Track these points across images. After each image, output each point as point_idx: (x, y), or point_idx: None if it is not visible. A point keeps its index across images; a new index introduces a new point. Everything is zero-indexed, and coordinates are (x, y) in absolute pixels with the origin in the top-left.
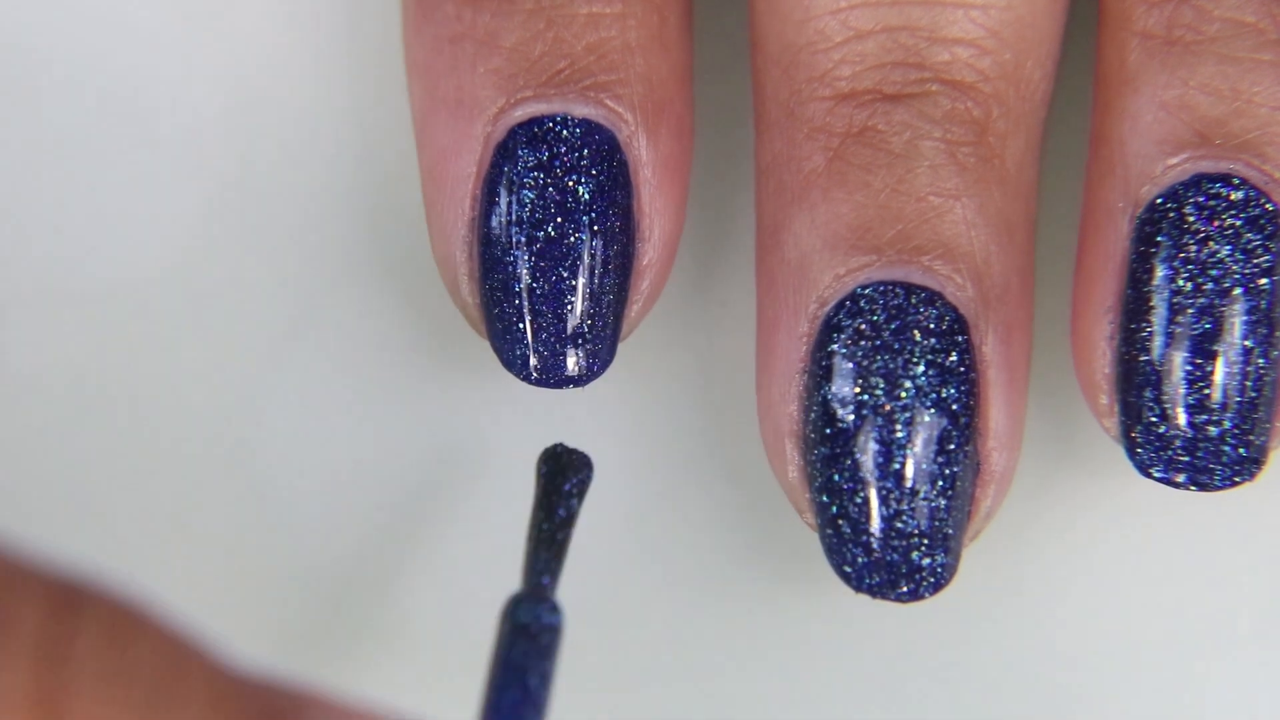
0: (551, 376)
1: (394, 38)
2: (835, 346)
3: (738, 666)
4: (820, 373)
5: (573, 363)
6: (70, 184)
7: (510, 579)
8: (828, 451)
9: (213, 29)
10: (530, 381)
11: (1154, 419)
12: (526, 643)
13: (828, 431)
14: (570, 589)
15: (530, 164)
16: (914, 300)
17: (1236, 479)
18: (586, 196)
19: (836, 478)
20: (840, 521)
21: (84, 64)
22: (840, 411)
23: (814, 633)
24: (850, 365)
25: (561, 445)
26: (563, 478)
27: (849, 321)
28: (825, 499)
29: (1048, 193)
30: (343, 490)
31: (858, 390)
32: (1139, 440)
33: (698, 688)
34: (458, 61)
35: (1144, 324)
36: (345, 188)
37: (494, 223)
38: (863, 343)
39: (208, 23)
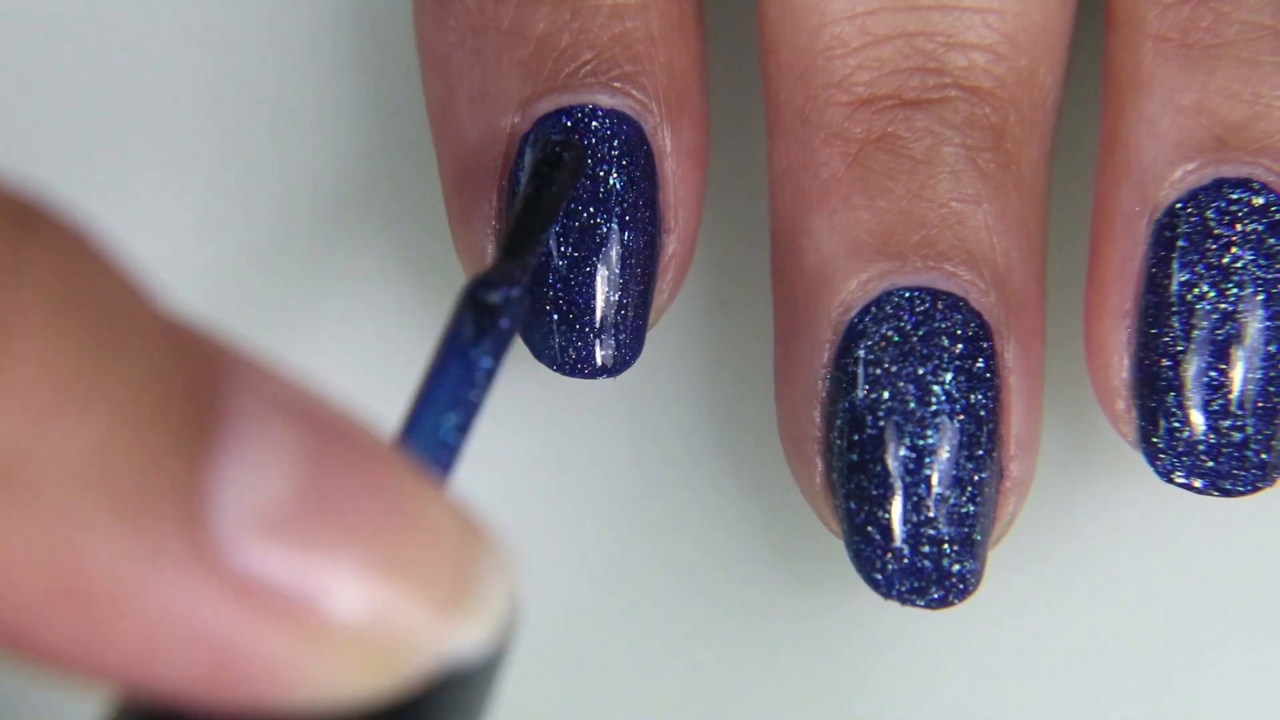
0: (584, 367)
1: (398, 30)
2: (862, 353)
3: (753, 671)
4: (846, 379)
5: (605, 354)
6: (69, 183)
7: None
8: (856, 458)
9: (215, 24)
10: (563, 372)
11: (1177, 424)
12: (484, 321)
13: (855, 438)
14: (579, 592)
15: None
16: (940, 306)
17: (1259, 484)
18: (618, 187)
19: (865, 484)
20: (869, 528)
21: (84, 64)
22: (868, 418)
23: (830, 637)
24: (878, 371)
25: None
26: (558, 163)
27: (875, 327)
28: (853, 505)
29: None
30: None
31: (886, 396)
32: (1160, 446)
33: (711, 691)
34: (481, 53)
35: (1165, 329)
36: (352, 182)
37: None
38: (890, 349)
39: (210, 19)
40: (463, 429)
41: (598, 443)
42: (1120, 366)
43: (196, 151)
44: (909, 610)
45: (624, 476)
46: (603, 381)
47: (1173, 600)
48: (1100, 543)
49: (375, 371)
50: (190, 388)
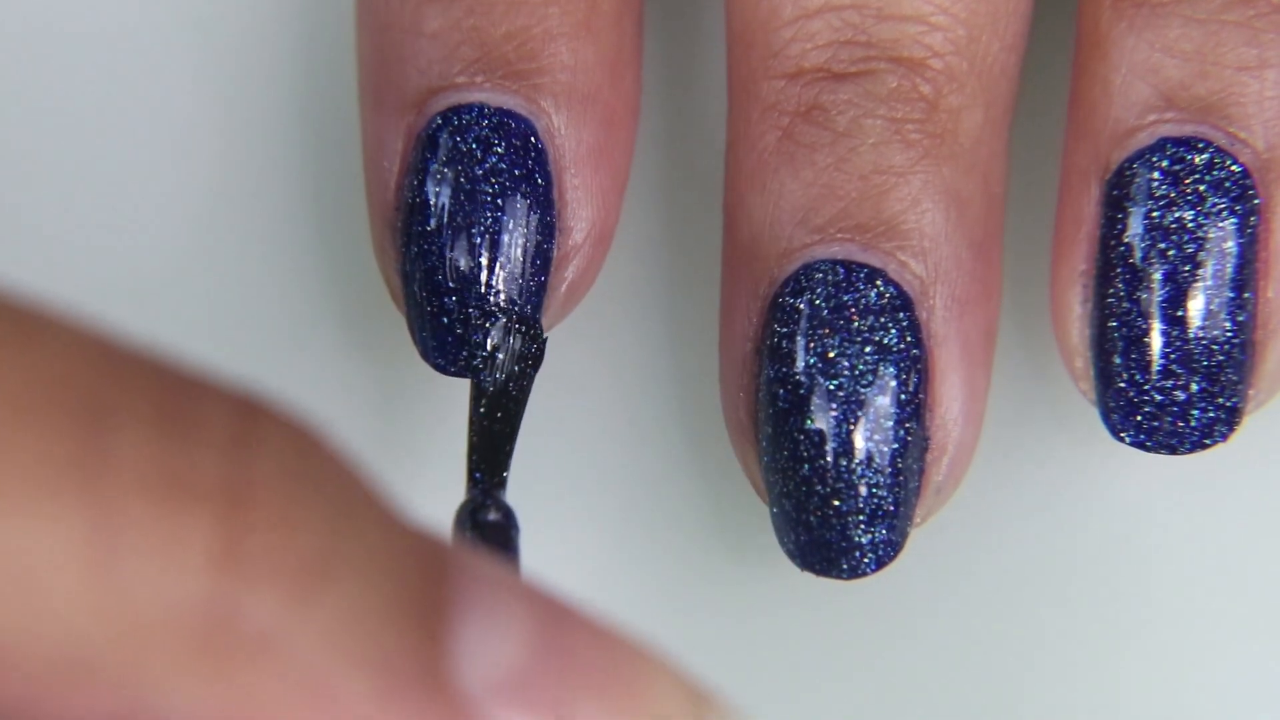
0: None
1: None
2: (777, 326)
3: (715, 654)
4: (765, 353)
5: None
6: (69, 183)
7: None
8: (771, 431)
9: (211, 26)
10: (437, 369)
11: (1123, 384)
12: (494, 539)
13: (770, 411)
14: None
15: (447, 156)
16: (854, 278)
17: (1206, 442)
18: (500, 188)
19: (779, 457)
20: (784, 500)
21: (83, 64)
22: (780, 391)
23: (790, 619)
24: (790, 345)
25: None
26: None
27: (791, 301)
28: (771, 478)
29: (1048, 167)
30: None
31: (798, 369)
32: (1111, 405)
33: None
34: (384, 51)
35: (1113, 289)
36: (348, 185)
37: (413, 215)
38: (802, 322)
39: (206, 19)
40: None
41: (586, 440)
42: (1078, 325)
43: (196, 151)
44: (896, 593)
45: (613, 475)
46: (591, 379)
47: (1150, 580)
48: (1090, 522)
49: (374, 371)
50: (420, 566)
